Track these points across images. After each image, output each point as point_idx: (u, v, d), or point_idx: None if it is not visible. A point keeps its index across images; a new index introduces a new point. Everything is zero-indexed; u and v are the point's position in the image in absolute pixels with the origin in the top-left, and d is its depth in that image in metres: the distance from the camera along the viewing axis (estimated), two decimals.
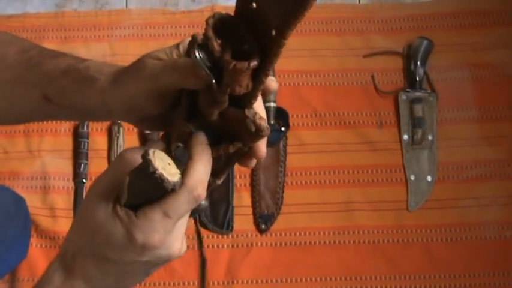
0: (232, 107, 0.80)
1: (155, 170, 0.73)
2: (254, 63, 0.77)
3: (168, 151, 0.81)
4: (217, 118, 0.82)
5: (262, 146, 0.84)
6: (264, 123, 0.79)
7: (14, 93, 0.94)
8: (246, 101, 0.79)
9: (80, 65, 0.91)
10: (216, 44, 0.77)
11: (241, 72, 0.76)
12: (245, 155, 0.84)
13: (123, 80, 0.85)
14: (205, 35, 0.78)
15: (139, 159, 0.77)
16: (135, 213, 0.78)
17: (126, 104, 0.86)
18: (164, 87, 0.83)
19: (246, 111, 0.79)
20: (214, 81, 0.78)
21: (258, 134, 0.80)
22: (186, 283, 1.99)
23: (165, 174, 0.74)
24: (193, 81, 0.80)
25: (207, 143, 0.81)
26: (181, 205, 0.78)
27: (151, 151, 0.74)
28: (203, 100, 0.82)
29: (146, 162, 0.73)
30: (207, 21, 0.79)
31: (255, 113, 0.79)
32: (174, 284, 1.99)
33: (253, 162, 0.85)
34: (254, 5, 0.79)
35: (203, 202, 0.80)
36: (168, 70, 0.82)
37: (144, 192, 0.77)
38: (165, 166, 0.75)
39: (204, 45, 0.79)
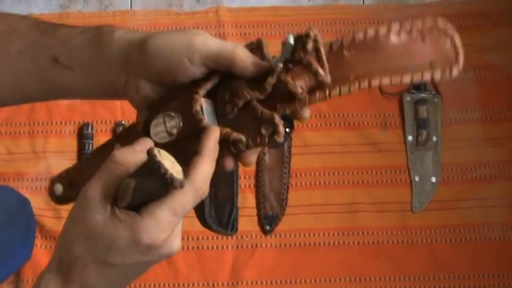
0: (260, 103, 0.82)
1: (166, 171, 0.72)
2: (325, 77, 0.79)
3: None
4: (235, 108, 0.82)
5: (253, 155, 0.85)
6: (280, 137, 0.80)
7: (23, 62, 0.92)
8: (282, 105, 0.81)
9: (104, 27, 0.90)
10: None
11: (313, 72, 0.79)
12: (233, 154, 0.84)
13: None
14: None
15: (131, 160, 0.77)
16: (137, 213, 0.77)
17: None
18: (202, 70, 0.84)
19: (275, 114, 0.80)
20: (281, 64, 0.79)
21: (270, 139, 0.80)
22: (191, 284, 1.99)
23: (175, 174, 0.73)
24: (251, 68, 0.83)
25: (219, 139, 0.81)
26: (188, 202, 0.77)
27: (156, 151, 0.73)
28: (240, 85, 0.82)
29: (156, 164, 0.72)
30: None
31: (281, 121, 0.80)
32: (178, 285, 1.99)
33: (232, 164, 0.85)
34: None
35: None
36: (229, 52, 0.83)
37: (148, 192, 0.76)
38: (170, 165, 0.74)
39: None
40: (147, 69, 0.85)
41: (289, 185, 2.07)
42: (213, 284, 1.99)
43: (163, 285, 1.98)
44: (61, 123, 2.12)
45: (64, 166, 0.97)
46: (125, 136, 0.89)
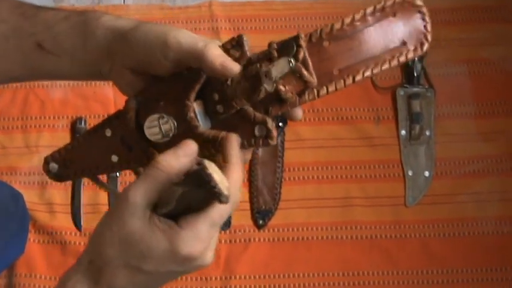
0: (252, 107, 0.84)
1: (216, 185, 0.72)
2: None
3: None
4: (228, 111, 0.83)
5: (248, 154, 0.87)
6: (274, 140, 0.83)
7: (7, 47, 0.93)
8: (274, 108, 0.83)
9: (88, 13, 0.91)
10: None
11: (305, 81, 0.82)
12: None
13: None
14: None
15: (175, 166, 0.78)
16: (176, 224, 0.77)
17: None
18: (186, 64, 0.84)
19: (268, 118, 0.82)
20: (292, 60, 0.81)
21: (264, 142, 0.83)
22: (184, 278, 1.98)
23: (223, 190, 0.73)
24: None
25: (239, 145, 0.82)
26: (226, 214, 0.78)
27: (207, 163, 0.73)
28: (231, 90, 0.83)
29: (208, 177, 0.72)
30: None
31: (273, 124, 0.82)
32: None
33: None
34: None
35: None
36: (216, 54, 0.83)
37: (192, 202, 0.76)
38: (219, 178, 0.74)
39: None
40: (128, 59, 0.86)
41: (283, 180, 2.07)
42: (206, 279, 1.99)
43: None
44: (54, 117, 2.12)
45: None
46: (115, 122, 0.90)
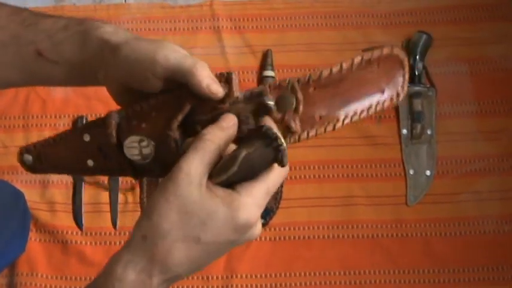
0: None
1: (282, 143, 0.74)
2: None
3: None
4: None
5: None
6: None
7: (6, 53, 0.93)
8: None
9: (87, 22, 0.91)
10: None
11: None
12: None
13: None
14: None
15: (222, 136, 0.80)
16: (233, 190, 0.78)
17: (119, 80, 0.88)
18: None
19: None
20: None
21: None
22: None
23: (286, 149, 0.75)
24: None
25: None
26: (279, 181, 0.80)
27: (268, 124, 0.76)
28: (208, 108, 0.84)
29: (274, 135, 0.74)
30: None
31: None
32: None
33: None
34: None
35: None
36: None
37: (252, 164, 0.78)
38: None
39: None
40: (118, 73, 0.87)
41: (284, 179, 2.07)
42: (208, 278, 1.99)
43: None
44: (55, 116, 2.12)
45: None
46: (95, 130, 0.90)
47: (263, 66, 2.17)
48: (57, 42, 0.91)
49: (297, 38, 2.22)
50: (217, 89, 0.83)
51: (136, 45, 0.85)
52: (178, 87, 0.85)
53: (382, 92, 0.88)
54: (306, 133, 0.87)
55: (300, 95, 0.84)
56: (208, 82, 0.83)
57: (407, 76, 0.89)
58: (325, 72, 0.86)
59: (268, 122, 0.83)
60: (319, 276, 2.00)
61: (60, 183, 2.06)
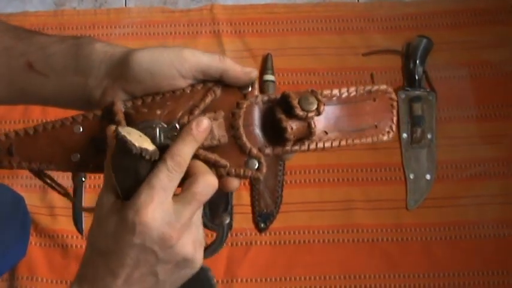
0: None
1: (134, 144, 0.74)
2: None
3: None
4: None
5: (236, 182, 0.88)
6: (263, 175, 0.87)
7: None
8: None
9: (83, 37, 0.91)
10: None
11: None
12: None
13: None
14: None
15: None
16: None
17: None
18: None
19: (262, 156, 0.88)
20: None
21: (253, 174, 0.87)
22: None
23: (139, 145, 0.75)
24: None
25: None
26: (162, 173, 0.78)
27: (120, 128, 0.76)
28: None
29: (121, 139, 0.74)
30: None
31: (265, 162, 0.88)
32: None
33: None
34: None
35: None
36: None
37: (130, 174, 0.78)
38: (136, 139, 0.76)
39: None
40: (129, 82, 0.86)
41: (284, 183, 2.08)
42: None
43: None
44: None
45: None
46: (88, 122, 0.88)
47: (263, 70, 2.17)
48: (49, 54, 0.89)
49: (297, 42, 2.22)
50: (251, 70, 0.87)
51: (151, 50, 0.86)
52: (192, 85, 0.87)
53: (376, 126, 0.93)
54: (315, 144, 0.90)
55: (321, 98, 0.86)
56: (242, 67, 0.86)
57: (395, 119, 0.95)
58: (335, 92, 0.90)
59: (285, 122, 0.85)
60: (319, 281, 2.00)
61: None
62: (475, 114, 2.14)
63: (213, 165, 0.84)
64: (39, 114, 2.12)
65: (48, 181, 0.97)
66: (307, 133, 0.87)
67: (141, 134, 0.78)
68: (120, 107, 0.85)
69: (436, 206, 2.05)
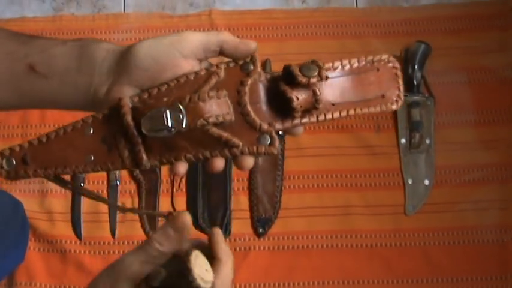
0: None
1: (194, 280, 0.78)
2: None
3: None
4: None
5: (251, 159, 0.88)
6: (276, 149, 0.87)
7: (0, 69, 0.91)
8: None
9: (86, 39, 0.92)
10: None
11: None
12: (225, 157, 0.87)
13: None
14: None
15: (167, 245, 0.83)
16: None
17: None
18: None
19: (273, 129, 0.88)
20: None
21: (266, 150, 0.87)
22: None
23: (202, 284, 0.79)
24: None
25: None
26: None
27: (194, 255, 0.80)
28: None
29: (188, 271, 0.78)
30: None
31: (277, 135, 0.88)
32: None
33: (221, 165, 0.88)
34: None
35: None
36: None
37: (172, 285, 0.82)
38: (202, 272, 0.80)
39: None
40: (134, 73, 0.87)
41: (283, 188, 2.07)
42: None
43: None
44: (54, 125, 2.10)
45: None
46: (98, 121, 0.89)
47: None
48: (51, 56, 0.90)
49: (295, 47, 2.22)
50: (251, 42, 0.90)
51: (150, 39, 0.88)
52: (195, 72, 0.88)
53: (383, 96, 0.94)
54: (323, 115, 0.90)
55: (322, 65, 0.87)
56: (240, 39, 0.89)
57: (402, 88, 0.96)
58: (337, 64, 0.91)
59: (289, 92, 0.87)
60: (318, 286, 1.99)
61: (59, 193, 2.06)
62: (473, 120, 2.14)
63: (226, 145, 0.85)
64: (37, 120, 2.12)
65: (69, 186, 0.99)
66: (313, 102, 0.88)
67: (208, 267, 0.83)
68: (127, 102, 0.86)
69: (434, 211, 2.05)
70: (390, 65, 0.96)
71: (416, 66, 2.14)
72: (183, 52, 0.87)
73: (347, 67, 0.91)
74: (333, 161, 2.10)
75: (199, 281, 0.78)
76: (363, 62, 0.93)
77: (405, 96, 2.09)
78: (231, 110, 0.86)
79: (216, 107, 0.85)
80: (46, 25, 2.27)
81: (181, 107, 0.83)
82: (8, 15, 2.31)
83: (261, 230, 2.03)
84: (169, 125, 0.82)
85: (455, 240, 2.03)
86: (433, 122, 2.12)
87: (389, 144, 2.12)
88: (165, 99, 0.85)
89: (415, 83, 2.14)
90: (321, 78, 0.86)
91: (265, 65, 2.18)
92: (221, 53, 0.89)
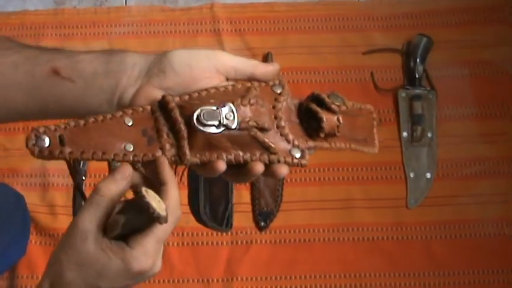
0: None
1: (154, 210, 0.79)
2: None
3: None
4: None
5: (285, 169, 0.94)
6: (306, 162, 0.96)
7: (15, 74, 0.91)
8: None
9: (113, 49, 0.95)
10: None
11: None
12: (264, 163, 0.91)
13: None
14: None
15: (115, 189, 0.85)
16: (126, 244, 0.83)
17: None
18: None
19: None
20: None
21: (299, 162, 0.95)
22: (186, 280, 1.99)
23: (161, 212, 0.80)
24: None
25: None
26: (169, 228, 0.85)
27: (144, 191, 0.80)
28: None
29: (146, 205, 0.79)
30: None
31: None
32: (173, 281, 1.99)
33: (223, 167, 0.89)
34: None
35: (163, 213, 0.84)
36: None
37: (133, 226, 0.84)
38: (156, 204, 0.81)
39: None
40: (167, 76, 0.90)
41: (284, 181, 2.07)
42: (208, 280, 1.99)
43: (158, 281, 1.98)
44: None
45: (59, 162, 0.95)
46: (138, 115, 0.90)
47: None
48: (77, 61, 0.91)
49: (297, 41, 2.22)
50: (275, 64, 0.99)
51: (186, 49, 0.92)
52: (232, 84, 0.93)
53: (365, 140, 1.06)
54: (333, 144, 1.00)
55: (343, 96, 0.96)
56: (268, 65, 0.96)
57: (377, 137, 1.10)
58: (349, 103, 0.99)
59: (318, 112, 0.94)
60: (320, 279, 2.00)
61: (60, 186, 2.06)
62: (475, 113, 2.14)
63: (267, 150, 0.90)
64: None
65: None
66: (335, 128, 0.96)
67: (159, 199, 0.82)
68: (171, 98, 0.88)
69: (436, 205, 2.05)
70: (371, 115, 1.07)
71: (418, 60, 2.14)
72: (217, 67, 0.91)
73: (343, 108, 0.98)
74: (334, 154, 2.07)
75: (158, 211, 0.79)
76: (354, 106, 1.02)
77: (407, 89, 2.10)
78: (269, 119, 0.91)
79: (261, 114, 0.90)
80: (47, 18, 2.26)
81: (233, 107, 0.87)
82: (10, 8, 2.31)
83: (262, 224, 2.03)
84: (224, 122, 0.86)
85: (457, 234, 2.03)
86: (435, 115, 2.12)
87: (391, 138, 2.12)
88: (212, 100, 0.88)
89: (417, 76, 2.14)
90: (347, 107, 0.96)
91: (266, 58, 2.17)
92: (250, 77, 0.94)
